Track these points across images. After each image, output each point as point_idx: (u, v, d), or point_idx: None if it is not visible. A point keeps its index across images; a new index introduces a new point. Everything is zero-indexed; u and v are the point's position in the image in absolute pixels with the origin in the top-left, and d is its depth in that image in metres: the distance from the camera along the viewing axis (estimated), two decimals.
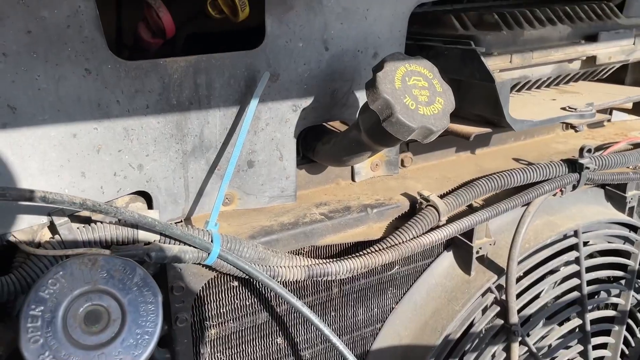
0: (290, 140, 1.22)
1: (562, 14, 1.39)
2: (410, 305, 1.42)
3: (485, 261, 1.40)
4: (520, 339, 1.43)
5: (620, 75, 1.68)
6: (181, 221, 1.18)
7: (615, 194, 1.64)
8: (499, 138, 1.61)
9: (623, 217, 1.61)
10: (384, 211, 1.29)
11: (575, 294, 1.52)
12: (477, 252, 1.37)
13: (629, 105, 1.69)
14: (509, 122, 1.21)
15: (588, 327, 1.53)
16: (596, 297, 1.69)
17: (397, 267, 1.37)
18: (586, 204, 1.59)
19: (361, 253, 1.17)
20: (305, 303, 1.27)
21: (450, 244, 1.42)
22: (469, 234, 1.35)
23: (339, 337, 1.36)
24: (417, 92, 0.99)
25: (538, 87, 1.46)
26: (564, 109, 1.31)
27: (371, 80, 0.99)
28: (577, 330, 1.54)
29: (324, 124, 1.33)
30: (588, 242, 1.60)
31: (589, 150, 1.37)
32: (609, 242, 1.66)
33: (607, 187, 1.65)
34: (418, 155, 1.50)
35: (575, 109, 1.29)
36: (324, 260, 1.14)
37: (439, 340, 1.36)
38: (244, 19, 1.14)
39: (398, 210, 1.30)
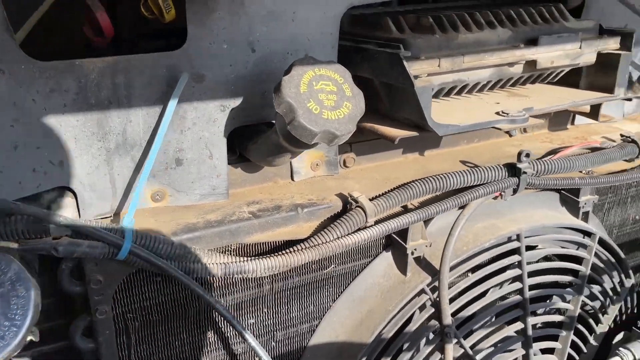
0: (219, 140, 1.24)
1: (504, 17, 1.38)
2: (347, 303, 1.44)
3: (422, 262, 1.42)
4: (455, 340, 1.44)
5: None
6: (111, 216, 1.22)
7: (569, 198, 1.63)
8: (450, 140, 1.61)
9: (573, 222, 1.60)
10: (314, 211, 1.30)
11: (517, 297, 1.52)
12: (412, 253, 1.39)
13: (587, 109, 1.67)
14: (431, 127, 1.21)
15: (530, 332, 1.53)
16: (548, 301, 1.69)
17: (333, 265, 1.39)
18: (536, 208, 1.59)
19: (280, 252, 1.19)
20: (234, 299, 1.31)
21: (389, 244, 1.44)
22: (405, 234, 1.37)
23: (273, 333, 1.40)
24: (324, 96, 1.01)
25: (480, 90, 1.45)
26: (498, 113, 1.31)
27: (277, 84, 1.01)
28: (519, 334, 1.55)
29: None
30: (537, 246, 1.60)
31: (527, 155, 1.36)
32: (562, 247, 1.65)
33: (562, 191, 1.64)
34: (363, 155, 1.51)
35: (508, 114, 1.29)
36: (242, 258, 1.16)
37: (371, 339, 1.38)
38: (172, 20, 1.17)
39: (330, 210, 1.32)
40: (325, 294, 1.42)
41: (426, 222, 1.43)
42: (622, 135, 1.69)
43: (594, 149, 1.63)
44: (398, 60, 1.16)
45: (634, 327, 1.69)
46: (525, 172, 1.37)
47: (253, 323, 1.35)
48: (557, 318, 1.63)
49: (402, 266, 1.42)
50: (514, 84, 1.51)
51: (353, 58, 1.33)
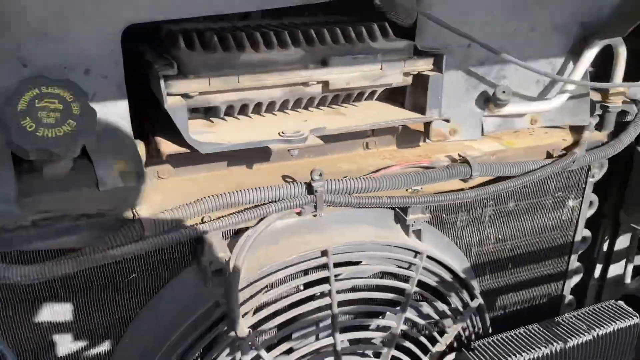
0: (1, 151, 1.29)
1: (301, 37, 1.39)
2: (151, 313, 1.48)
3: (222, 275, 1.44)
4: (256, 352, 1.47)
5: None
6: None
7: (401, 216, 1.64)
8: (281, 154, 1.62)
9: (397, 240, 1.61)
10: (102, 222, 1.34)
11: (327, 312, 1.54)
12: (210, 266, 1.42)
13: (421, 126, 1.68)
14: (191, 144, 1.24)
15: (339, 347, 1.54)
16: (381, 317, 1.69)
17: (134, 274, 1.43)
18: (361, 225, 1.60)
19: (40, 263, 1.23)
20: (28, 300, 1.35)
21: (195, 256, 1.47)
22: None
23: (76, 338, 1.45)
24: (44, 114, 1.05)
25: (282, 109, 1.46)
26: (279, 133, 1.33)
27: None
28: (330, 349, 1.56)
29: None
30: (361, 262, 1.61)
31: (320, 174, 1.38)
32: (398, 266, 1.66)
33: (396, 209, 1.65)
34: (184, 167, 1.54)
35: (285, 134, 1.30)
36: (3, 265, 1.20)
37: (163, 350, 1.41)
38: None
39: (119, 222, 1.35)
40: (130, 302, 1.46)
41: (236, 235, 1.47)
42: (459, 155, 1.69)
43: (426, 167, 1.64)
44: (157, 78, 1.19)
45: (463, 349, 1.68)
46: (317, 191, 1.38)
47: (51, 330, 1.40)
48: (375, 335, 1.63)
49: (204, 279, 1.45)
50: (330, 102, 1.52)
51: (148, 74, 1.37)
